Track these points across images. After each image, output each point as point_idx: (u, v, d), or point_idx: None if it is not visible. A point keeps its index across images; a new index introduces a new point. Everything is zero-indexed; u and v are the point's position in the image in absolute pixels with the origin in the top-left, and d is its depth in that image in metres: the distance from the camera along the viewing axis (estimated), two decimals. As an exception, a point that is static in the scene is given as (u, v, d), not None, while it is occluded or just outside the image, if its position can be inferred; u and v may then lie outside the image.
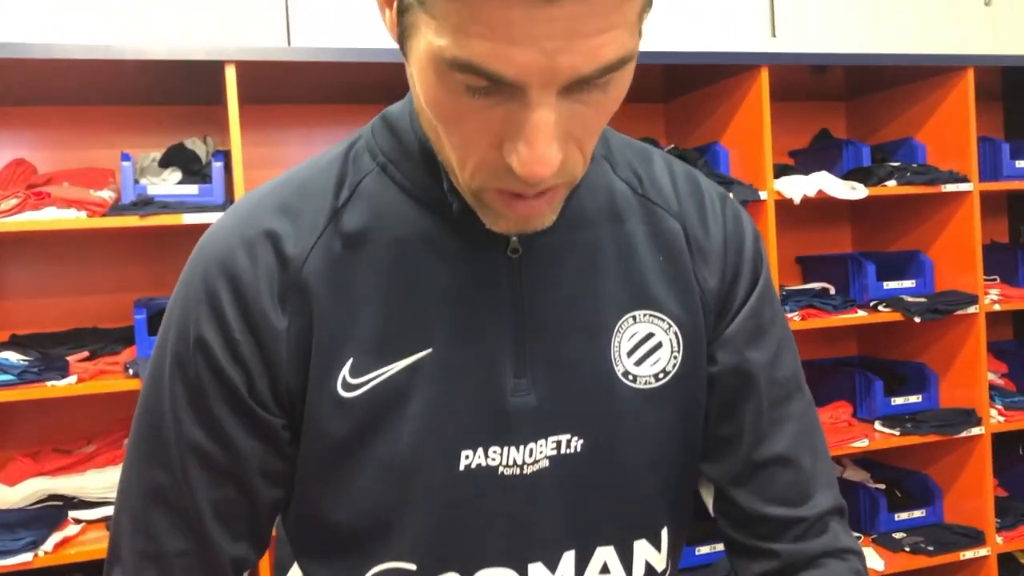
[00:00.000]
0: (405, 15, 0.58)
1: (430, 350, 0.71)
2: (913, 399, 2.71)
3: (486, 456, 0.72)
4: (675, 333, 0.77)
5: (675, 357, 0.76)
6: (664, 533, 0.80)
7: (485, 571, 0.74)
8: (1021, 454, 3.00)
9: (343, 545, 0.74)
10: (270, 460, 0.72)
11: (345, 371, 0.70)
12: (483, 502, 0.73)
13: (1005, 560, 2.79)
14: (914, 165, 2.65)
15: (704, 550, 2.47)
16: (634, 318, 0.76)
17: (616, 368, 0.75)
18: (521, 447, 0.72)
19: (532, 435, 0.73)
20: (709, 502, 0.83)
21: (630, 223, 0.77)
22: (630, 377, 0.75)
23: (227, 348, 0.69)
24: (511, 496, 0.73)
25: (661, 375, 0.76)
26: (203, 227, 2.09)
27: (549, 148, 0.57)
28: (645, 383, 0.76)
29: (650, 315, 0.76)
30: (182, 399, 0.70)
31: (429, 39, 0.56)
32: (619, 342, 0.75)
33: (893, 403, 2.69)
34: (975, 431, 2.62)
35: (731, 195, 0.86)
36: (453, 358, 0.71)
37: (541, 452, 0.73)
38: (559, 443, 0.74)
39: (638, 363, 0.75)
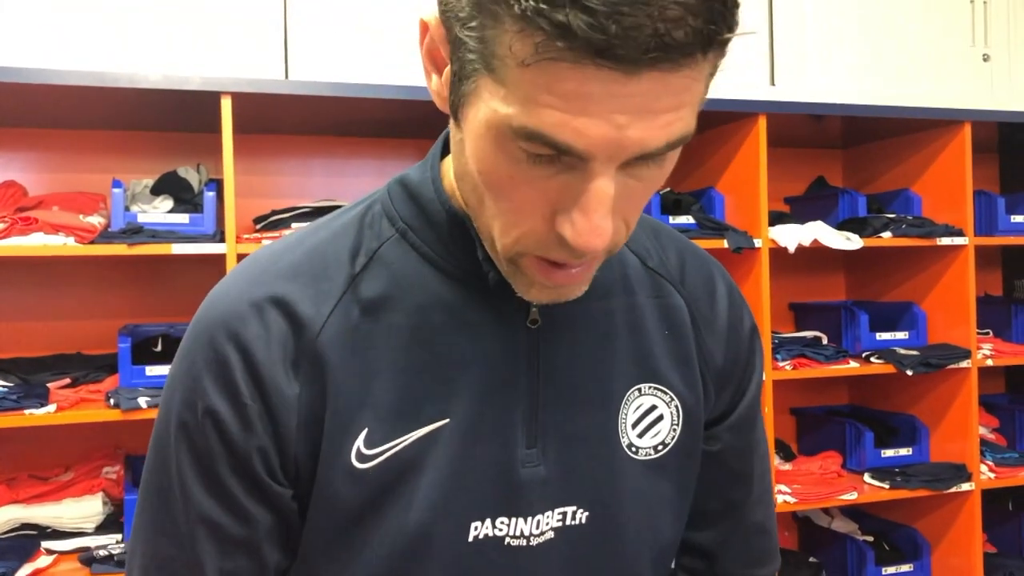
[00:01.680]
0: (465, 82, 0.58)
1: (447, 420, 0.69)
2: (903, 452, 2.69)
3: (494, 527, 0.71)
4: (676, 406, 0.77)
5: (674, 429, 0.77)
6: None
7: None
8: (1011, 510, 2.98)
9: None
10: (280, 528, 0.70)
11: (360, 441, 0.68)
12: (489, 574, 0.72)
13: (993, 619, 2.76)
14: (910, 217, 2.65)
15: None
16: (640, 390, 0.76)
17: (622, 440, 0.75)
18: (529, 519, 0.72)
19: (540, 507, 0.72)
20: None
21: (640, 295, 0.78)
22: (633, 449, 0.76)
23: (237, 416, 0.67)
24: (516, 567, 0.72)
25: (660, 447, 0.77)
26: (192, 257, 2.08)
27: (606, 219, 0.57)
28: (645, 455, 0.76)
29: (654, 388, 0.77)
30: (190, 469, 0.68)
31: (493, 107, 0.55)
32: (626, 414, 0.76)
33: (883, 455, 2.66)
34: (965, 487, 2.59)
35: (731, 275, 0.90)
36: (470, 428, 0.70)
37: (547, 524, 0.73)
38: (564, 515, 0.73)
39: (640, 435, 0.76)
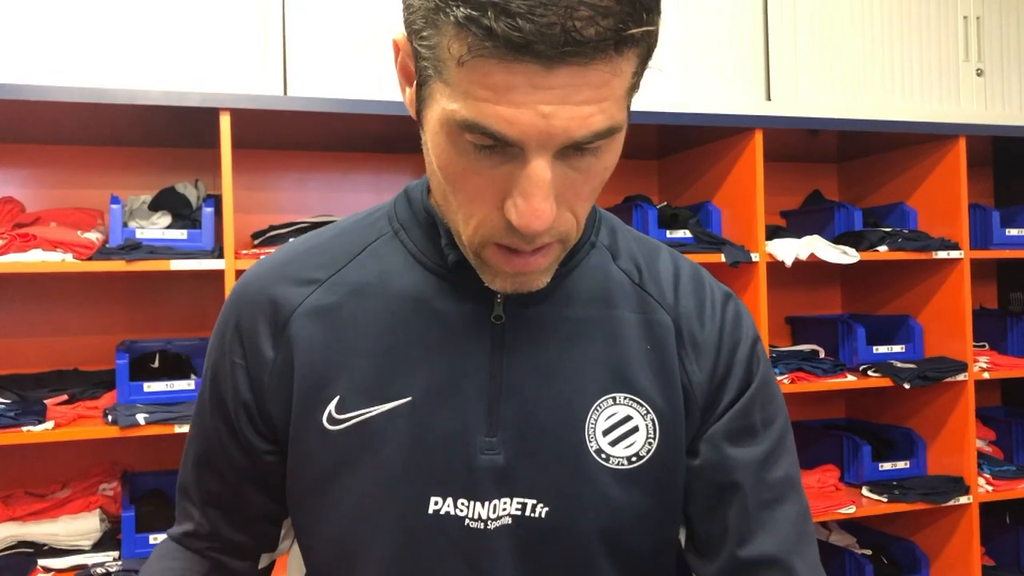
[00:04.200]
0: (424, 88, 0.67)
1: (409, 399, 0.76)
2: (901, 465, 2.69)
3: (455, 506, 0.76)
4: (652, 420, 0.79)
5: (650, 443, 0.78)
6: None
7: None
8: (1008, 523, 2.98)
9: (320, 571, 0.82)
10: (257, 474, 0.83)
11: (332, 406, 0.77)
12: (446, 549, 0.76)
13: (992, 632, 2.76)
14: (905, 231, 2.66)
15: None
16: (614, 399, 0.78)
17: (589, 445, 0.77)
18: (486, 503, 0.76)
19: (497, 493, 0.76)
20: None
21: (622, 309, 0.81)
22: (603, 456, 0.77)
23: (230, 372, 0.81)
24: (473, 548, 0.76)
25: (635, 459, 0.78)
26: (190, 273, 2.08)
27: (545, 202, 0.64)
28: (618, 464, 0.78)
29: (630, 399, 0.79)
30: (196, 409, 0.87)
31: (443, 105, 0.63)
32: (595, 420, 0.78)
33: (881, 468, 2.66)
34: (963, 500, 2.59)
35: (734, 295, 0.89)
36: (429, 410, 0.76)
37: (504, 510, 0.76)
38: (524, 505, 0.76)
39: (613, 443, 0.78)
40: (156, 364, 2.25)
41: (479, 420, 0.76)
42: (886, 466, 2.67)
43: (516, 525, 0.76)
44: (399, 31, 0.69)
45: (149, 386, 2.07)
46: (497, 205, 0.66)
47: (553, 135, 0.61)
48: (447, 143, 0.65)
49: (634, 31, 0.59)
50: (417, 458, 0.76)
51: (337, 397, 0.77)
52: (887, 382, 2.55)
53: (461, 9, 0.58)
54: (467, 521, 0.76)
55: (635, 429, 0.78)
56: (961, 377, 2.60)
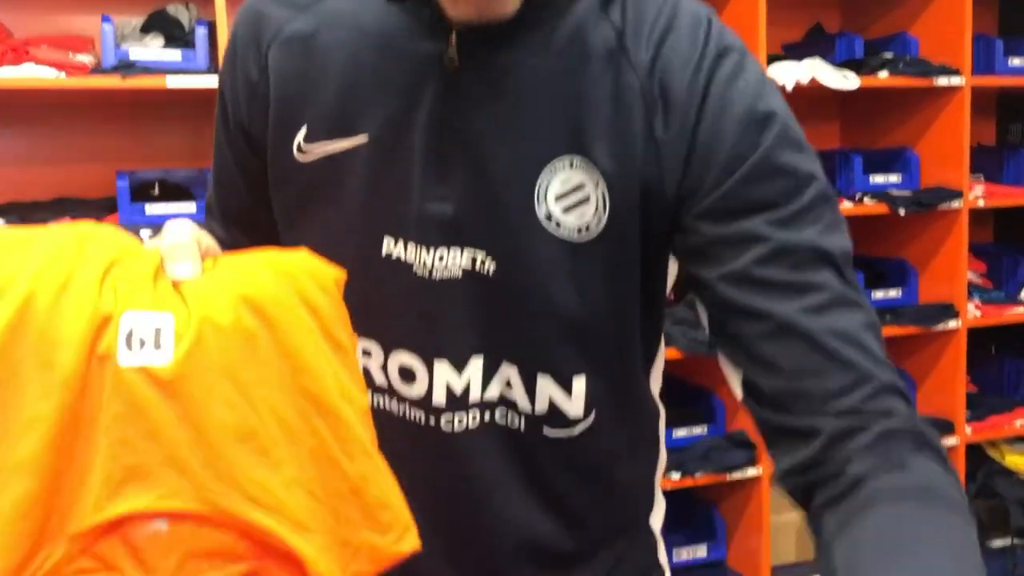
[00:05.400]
0: None
1: (365, 137, 0.75)
2: (893, 293, 2.75)
3: (405, 250, 0.75)
4: (603, 192, 0.72)
5: (599, 217, 0.73)
6: (578, 382, 0.77)
7: (399, 351, 0.78)
8: (993, 353, 3.06)
9: None
10: (261, 190, 0.83)
11: (300, 136, 0.77)
12: (398, 292, 0.76)
13: (973, 451, 2.88)
14: (907, 57, 2.63)
15: (681, 433, 2.54)
16: (571, 163, 0.72)
17: (538, 208, 0.72)
18: (432, 250, 0.74)
19: (444, 241, 0.74)
20: (736, 384, 0.73)
21: (592, 66, 0.71)
22: (554, 222, 0.73)
23: (230, 81, 0.81)
24: (421, 295, 0.76)
25: (584, 230, 0.73)
26: (187, 92, 2.05)
27: None
28: (568, 234, 0.73)
29: (585, 163, 0.72)
30: (215, 128, 0.86)
31: None
32: (547, 183, 0.72)
33: (873, 297, 2.72)
34: (952, 324, 2.66)
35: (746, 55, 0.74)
36: (382, 150, 0.75)
37: (455, 262, 0.74)
38: (474, 260, 0.74)
39: (566, 210, 0.73)
40: (156, 192, 2.26)
41: (430, 166, 0.73)
42: (878, 295, 2.72)
43: (466, 279, 0.74)
44: None
45: (151, 208, 2.08)
46: None
47: None
48: None
49: None
50: (374, 199, 0.75)
51: (305, 126, 0.76)
52: (883, 209, 2.57)
53: None
54: (415, 268, 0.75)
55: (586, 199, 0.72)
56: (956, 205, 2.63)
